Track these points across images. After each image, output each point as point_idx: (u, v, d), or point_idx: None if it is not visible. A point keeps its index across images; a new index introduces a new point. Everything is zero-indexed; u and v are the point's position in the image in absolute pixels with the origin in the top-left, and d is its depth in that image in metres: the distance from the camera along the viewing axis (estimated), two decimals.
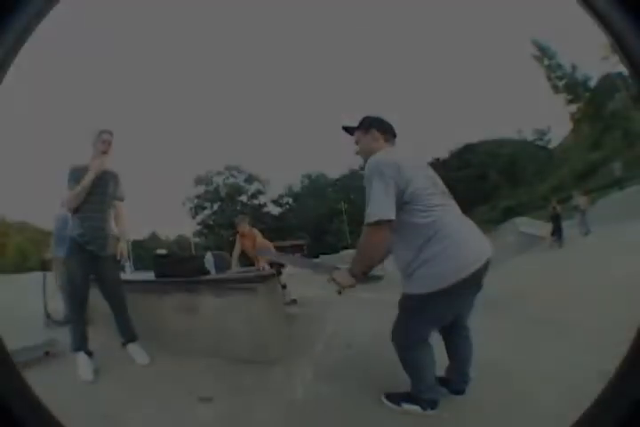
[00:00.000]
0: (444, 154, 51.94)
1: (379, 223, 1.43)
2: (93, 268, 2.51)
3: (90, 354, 2.46)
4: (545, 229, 11.33)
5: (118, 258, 2.62)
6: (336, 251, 22.72)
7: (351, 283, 1.57)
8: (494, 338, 2.25)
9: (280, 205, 59.14)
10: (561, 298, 3.72)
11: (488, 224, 20.01)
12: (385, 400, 1.77)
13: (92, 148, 2.56)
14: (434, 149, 58.26)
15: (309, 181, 59.75)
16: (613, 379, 0.58)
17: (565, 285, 4.38)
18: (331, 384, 2.06)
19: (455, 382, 1.78)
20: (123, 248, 2.66)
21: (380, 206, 1.43)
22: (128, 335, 2.67)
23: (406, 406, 1.69)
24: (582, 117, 33.29)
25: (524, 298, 4.08)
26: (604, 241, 7.80)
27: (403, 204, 1.48)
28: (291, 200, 59.07)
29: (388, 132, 1.75)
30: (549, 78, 33.94)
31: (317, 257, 19.64)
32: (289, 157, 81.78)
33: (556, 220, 10.29)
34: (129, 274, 3.94)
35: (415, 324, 1.60)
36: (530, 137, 47.47)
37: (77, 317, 2.48)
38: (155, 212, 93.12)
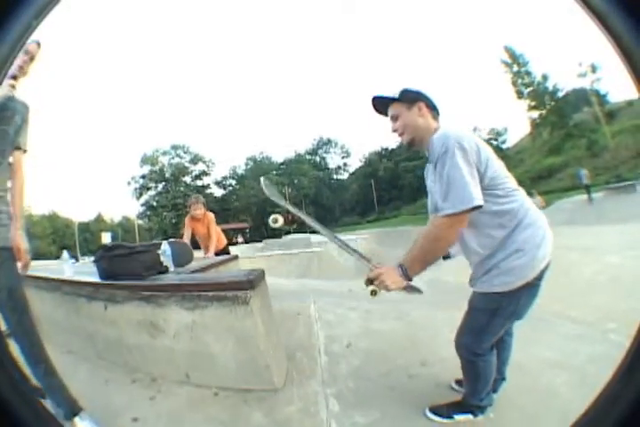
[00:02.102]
0: (393, 143, 52.59)
1: (466, 211, 1.20)
2: None
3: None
4: None
5: (17, 256, 1.52)
6: (278, 235, 22.21)
7: (400, 286, 1.27)
8: None
9: (224, 187, 57.34)
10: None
11: None
12: (432, 415, 1.58)
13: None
14: (383, 138, 59.01)
15: (254, 164, 58.17)
16: (613, 379, 0.58)
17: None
18: (362, 411, 1.68)
19: (495, 381, 1.62)
20: (19, 240, 1.52)
21: (470, 191, 1.19)
22: (63, 404, 1.53)
23: (458, 417, 1.55)
24: (543, 123, 34.40)
25: None
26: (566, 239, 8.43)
27: (481, 189, 1.26)
28: (234, 182, 57.18)
29: (434, 108, 1.49)
30: (515, 84, 34.61)
31: (260, 242, 18.87)
32: (234, 138, 79.26)
33: None
34: (68, 268, 2.84)
35: (495, 326, 1.40)
36: (485, 136, 49.26)
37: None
38: (101, 192, 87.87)
